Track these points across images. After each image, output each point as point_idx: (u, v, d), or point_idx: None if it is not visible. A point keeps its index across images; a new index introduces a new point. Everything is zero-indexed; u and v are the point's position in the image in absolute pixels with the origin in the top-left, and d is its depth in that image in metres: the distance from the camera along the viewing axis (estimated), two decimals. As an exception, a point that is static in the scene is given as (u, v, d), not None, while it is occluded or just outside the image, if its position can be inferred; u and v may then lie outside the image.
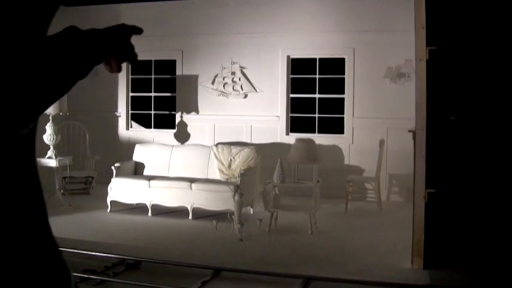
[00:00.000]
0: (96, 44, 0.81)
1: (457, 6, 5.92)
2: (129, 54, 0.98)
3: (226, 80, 11.94)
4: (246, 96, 11.88)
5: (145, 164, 10.40)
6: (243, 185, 9.01)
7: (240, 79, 11.87)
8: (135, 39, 1.30)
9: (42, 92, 0.66)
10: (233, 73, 11.89)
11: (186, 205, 9.31)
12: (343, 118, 11.45)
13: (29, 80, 0.64)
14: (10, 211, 0.56)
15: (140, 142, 11.51)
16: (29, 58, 0.63)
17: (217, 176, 9.91)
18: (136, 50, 1.23)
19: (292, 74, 11.78)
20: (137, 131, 12.92)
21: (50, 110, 9.48)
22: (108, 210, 9.68)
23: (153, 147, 10.73)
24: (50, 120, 9.81)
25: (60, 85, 0.68)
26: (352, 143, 11.31)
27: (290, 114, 11.81)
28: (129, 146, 11.50)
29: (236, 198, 8.53)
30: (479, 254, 6.23)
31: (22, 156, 0.60)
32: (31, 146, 0.62)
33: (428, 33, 5.89)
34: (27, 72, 0.62)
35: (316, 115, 11.66)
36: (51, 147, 9.93)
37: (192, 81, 12.24)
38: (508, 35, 5.86)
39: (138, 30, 1.02)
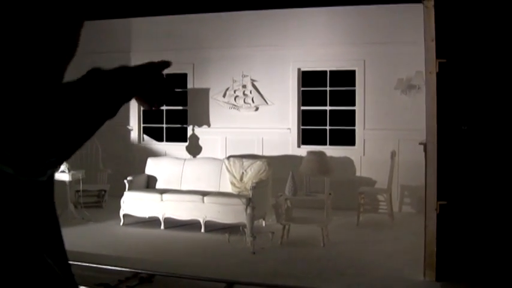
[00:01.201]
0: (121, 84, 0.83)
1: (466, 19, 5.95)
2: (164, 89, 0.97)
3: (237, 93, 11.99)
4: (257, 109, 11.92)
5: (157, 178, 10.45)
6: (255, 198, 9.03)
7: (251, 92, 11.92)
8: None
9: (63, 138, 0.68)
10: (244, 86, 11.94)
11: (198, 218, 9.34)
12: (354, 130, 11.47)
13: (48, 127, 0.65)
14: (29, 257, 0.59)
15: (152, 155, 11.56)
16: (46, 106, 0.64)
17: (229, 189, 9.94)
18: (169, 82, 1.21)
19: (303, 86, 11.81)
20: (149, 145, 12.98)
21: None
22: (121, 223, 9.72)
23: (165, 160, 10.78)
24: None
25: (84, 130, 0.70)
26: (364, 154, 11.32)
27: (301, 127, 11.84)
28: (141, 160, 11.55)
29: (248, 211, 8.55)
30: (492, 266, 6.22)
31: (40, 202, 0.63)
32: (50, 191, 0.65)
33: (438, 46, 5.91)
34: (45, 121, 0.64)
35: (328, 127, 11.68)
36: (64, 161, 9.98)
37: (203, 95, 12.30)
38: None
39: (166, 64, 1.00)
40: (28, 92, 0.64)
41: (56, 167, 0.65)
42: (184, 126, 12.61)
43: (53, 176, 0.65)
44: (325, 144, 11.59)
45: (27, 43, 0.61)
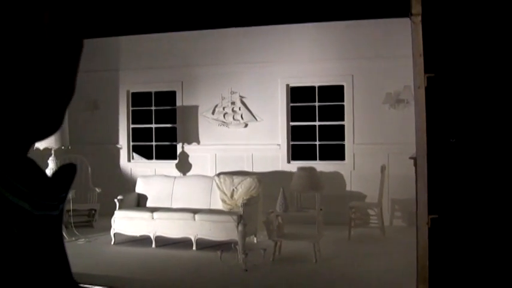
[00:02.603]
0: None
1: (454, 34, 5.99)
2: None
3: (226, 110, 12.01)
4: (246, 125, 11.94)
5: (147, 196, 10.42)
6: (246, 215, 9.02)
7: (240, 108, 11.94)
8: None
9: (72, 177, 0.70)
10: (233, 103, 11.96)
11: (189, 236, 9.31)
12: (343, 145, 11.50)
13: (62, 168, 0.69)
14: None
15: (142, 174, 11.54)
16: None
17: (220, 206, 9.92)
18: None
19: (291, 102, 11.85)
20: (139, 163, 12.95)
21: (52, 144, 9.53)
22: (112, 242, 9.67)
23: (155, 178, 10.76)
24: (52, 154, 9.86)
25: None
26: (354, 169, 11.34)
27: (291, 142, 11.86)
28: (131, 178, 11.53)
29: (239, 228, 8.54)
30: (485, 279, 6.23)
31: (51, 234, 0.64)
32: (59, 223, 0.66)
33: (426, 60, 5.95)
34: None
35: (317, 142, 11.70)
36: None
37: (192, 112, 12.31)
38: (504, 60, 5.92)
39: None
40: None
41: (64, 202, 0.66)
42: (174, 144, 12.60)
43: (63, 209, 0.66)
44: (315, 159, 11.60)
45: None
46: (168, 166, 12.34)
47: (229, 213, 9.39)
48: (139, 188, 10.56)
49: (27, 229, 0.57)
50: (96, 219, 11.00)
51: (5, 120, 0.60)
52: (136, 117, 12.99)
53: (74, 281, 0.68)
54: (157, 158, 12.86)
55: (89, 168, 11.47)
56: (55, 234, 0.64)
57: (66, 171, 0.67)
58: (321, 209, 8.64)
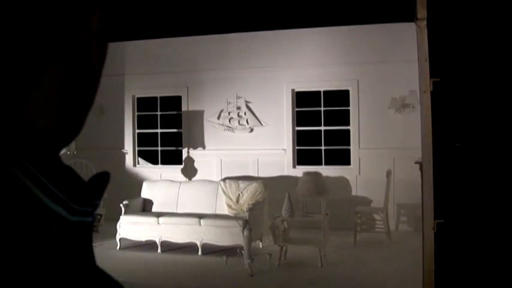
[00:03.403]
0: None
1: (459, 38, 5.99)
2: None
3: (231, 115, 12.02)
4: (251, 130, 11.94)
5: (153, 201, 10.42)
6: (251, 220, 9.01)
7: (245, 113, 11.94)
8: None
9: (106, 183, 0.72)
10: (238, 108, 11.97)
11: (195, 241, 9.30)
12: (349, 149, 11.49)
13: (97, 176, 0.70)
14: None
15: (147, 178, 11.55)
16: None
17: (225, 211, 9.91)
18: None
19: (297, 107, 11.85)
20: (144, 168, 12.97)
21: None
22: (118, 247, 9.67)
23: (161, 183, 10.76)
24: (58, 160, 9.86)
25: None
26: (359, 174, 11.33)
27: (296, 147, 11.85)
28: (137, 183, 11.53)
29: (245, 233, 8.54)
30: (491, 284, 6.21)
31: (84, 240, 0.65)
32: (91, 230, 0.67)
33: (432, 65, 5.94)
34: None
35: (323, 147, 11.70)
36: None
37: (197, 117, 12.32)
38: (510, 64, 5.91)
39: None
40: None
41: (97, 209, 0.68)
42: (179, 148, 12.61)
43: (94, 217, 0.67)
44: (320, 164, 11.60)
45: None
46: (174, 171, 12.34)
47: (234, 218, 9.38)
48: (145, 193, 10.56)
49: (62, 235, 0.58)
50: (101, 224, 11.01)
51: (32, 125, 0.61)
52: (142, 122, 13.01)
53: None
54: (163, 163, 12.87)
55: (95, 173, 11.45)
56: (87, 241, 0.65)
57: (100, 179, 0.68)
58: (326, 214, 8.63)
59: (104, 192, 0.69)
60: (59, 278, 0.56)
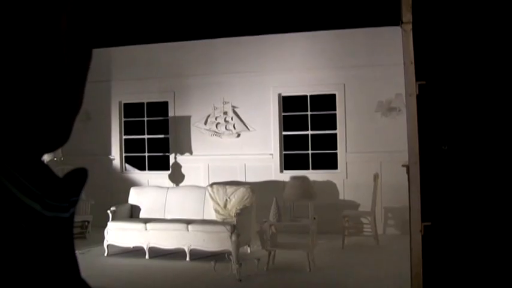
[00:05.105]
0: None
1: (445, 41, 6.02)
2: None
3: (218, 120, 12.01)
4: (239, 135, 11.94)
5: (141, 207, 10.39)
6: (239, 225, 9.00)
7: (232, 118, 11.94)
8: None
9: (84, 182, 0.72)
10: (225, 113, 11.96)
11: (183, 247, 9.28)
12: (336, 154, 11.51)
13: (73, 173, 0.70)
14: None
15: (135, 184, 11.51)
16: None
17: (213, 216, 9.90)
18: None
19: (284, 111, 11.87)
20: (132, 174, 12.93)
21: (45, 156, 9.50)
22: (105, 254, 9.63)
23: (148, 189, 10.74)
24: (45, 167, 9.81)
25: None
26: (347, 178, 11.35)
27: (283, 152, 11.86)
28: (124, 189, 11.50)
29: (233, 238, 8.53)
30: (479, 286, 6.23)
31: (62, 236, 0.65)
32: (70, 227, 0.67)
33: (417, 68, 5.97)
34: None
35: (310, 151, 11.71)
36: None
37: (184, 122, 12.30)
38: (495, 67, 5.95)
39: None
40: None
41: (76, 206, 0.67)
42: (167, 154, 12.58)
43: (73, 214, 0.67)
44: (307, 168, 11.61)
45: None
46: (161, 177, 12.31)
47: (222, 223, 9.37)
48: (132, 199, 10.53)
49: (37, 229, 0.58)
50: (89, 230, 10.96)
51: (14, 130, 0.61)
52: (128, 128, 12.97)
53: (83, 282, 0.69)
54: (150, 168, 12.84)
55: (82, 180, 11.41)
56: (65, 237, 0.65)
57: (77, 175, 0.68)
58: (314, 218, 8.63)
59: (82, 189, 0.68)
60: (31, 270, 0.56)
